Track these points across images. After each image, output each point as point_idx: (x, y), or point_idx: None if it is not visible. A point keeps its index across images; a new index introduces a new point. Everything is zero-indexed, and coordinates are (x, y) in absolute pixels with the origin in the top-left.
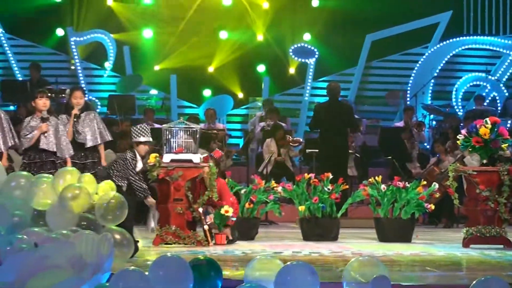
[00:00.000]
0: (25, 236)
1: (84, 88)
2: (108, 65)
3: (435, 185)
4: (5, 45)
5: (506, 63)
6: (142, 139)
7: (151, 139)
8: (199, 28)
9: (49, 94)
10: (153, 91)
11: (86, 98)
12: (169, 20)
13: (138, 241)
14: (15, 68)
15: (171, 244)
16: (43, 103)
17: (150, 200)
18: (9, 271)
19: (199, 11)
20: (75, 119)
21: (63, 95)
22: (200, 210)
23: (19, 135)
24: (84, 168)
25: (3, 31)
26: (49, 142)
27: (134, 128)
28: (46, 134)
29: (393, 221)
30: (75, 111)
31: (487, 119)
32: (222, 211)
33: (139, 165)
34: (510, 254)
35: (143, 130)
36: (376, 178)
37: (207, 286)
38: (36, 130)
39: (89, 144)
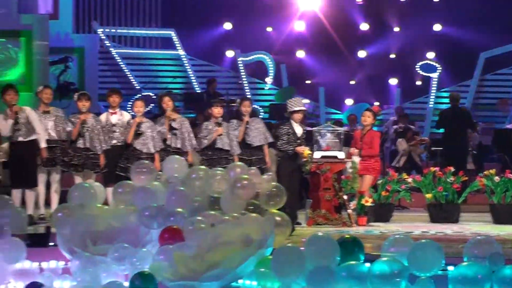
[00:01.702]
0: (203, 218)
1: (251, 99)
2: (268, 80)
3: None
4: (186, 64)
5: None
6: (296, 108)
7: (303, 108)
8: (341, 49)
9: (222, 104)
10: (305, 100)
11: (252, 107)
12: (317, 44)
13: (300, 223)
14: (194, 82)
15: (321, 225)
16: (217, 111)
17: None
18: (191, 246)
19: (341, 37)
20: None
21: (234, 104)
22: (345, 197)
23: (196, 136)
24: (250, 163)
25: (185, 54)
26: (224, 142)
27: (289, 100)
28: (220, 136)
29: (505, 207)
30: (247, 118)
31: None
32: (363, 200)
33: (298, 131)
34: None
35: (296, 101)
36: (491, 171)
37: (351, 259)
38: (213, 133)
39: (256, 144)
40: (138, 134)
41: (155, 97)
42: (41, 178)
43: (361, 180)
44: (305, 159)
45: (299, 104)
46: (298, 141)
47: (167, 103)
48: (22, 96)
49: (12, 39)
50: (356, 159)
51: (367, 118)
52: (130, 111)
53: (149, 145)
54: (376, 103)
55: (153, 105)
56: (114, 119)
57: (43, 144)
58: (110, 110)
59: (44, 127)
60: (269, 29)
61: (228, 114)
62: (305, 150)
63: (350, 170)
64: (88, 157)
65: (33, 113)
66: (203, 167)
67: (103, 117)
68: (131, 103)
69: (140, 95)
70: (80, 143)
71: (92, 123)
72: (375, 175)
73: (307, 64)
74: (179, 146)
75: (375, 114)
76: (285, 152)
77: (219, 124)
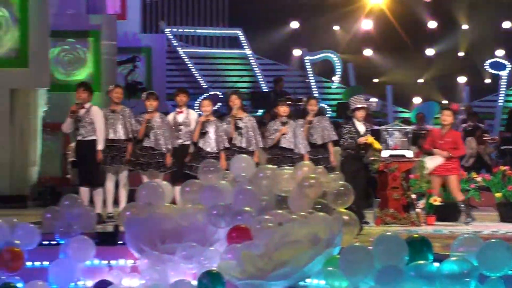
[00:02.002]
0: (271, 217)
1: (318, 98)
2: (335, 78)
3: None
4: (253, 63)
5: None
6: (358, 105)
7: (365, 105)
8: (409, 47)
9: (289, 103)
10: (373, 99)
11: (319, 105)
12: (385, 42)
13: (368, 222)
14: (261, 81)
15: (389, 224)
16: (283, 109)
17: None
18: (258, 245)
19: (409, 35)
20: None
21: (300, 103)
22: (413, 196)
23: (263, 135)
24: (316, 162)
25: (252, 53)
26: (288, 141)
27: (351, 98)
28: (285, 135)
29: None
30: (310, 117)
31: None
32: (431, 200)
33: (361, 129)
34: None
35: (358, 98)
36: None
37: (420, 259)
38: (278, 132)
39: (319, 142)
40: (203, 133)
41: (222, 96)
42: (109, 177)
43: (438, 180)
44: (372, 158)
45: (360, 101)
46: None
47: (234, 101)
48: None
49: (80, 39)
50: (431, 159)
51: (447, 117)
52: (197, 110)
53: (213, 144)
54: (445, 101)
55: (220, 104)
56: (180, 118)
57: (99, 146)
58: (177, 109)
59: (108, 128)
60: (336, 27)
61: (295, 113)
62: (368, 137)
63: (430, 167)
64: (154, 156)
65: (99, 113)
66: (270, 166)
67: (170, 116)
68: (198, 102)
69: (207, 94)
70: (146, 142)
71: (157, 122)
72: (457, 173)
73: (375, 63)
74: (244, 145)
75: (454, 112)
76: (349, 150)
77: (284, 123)
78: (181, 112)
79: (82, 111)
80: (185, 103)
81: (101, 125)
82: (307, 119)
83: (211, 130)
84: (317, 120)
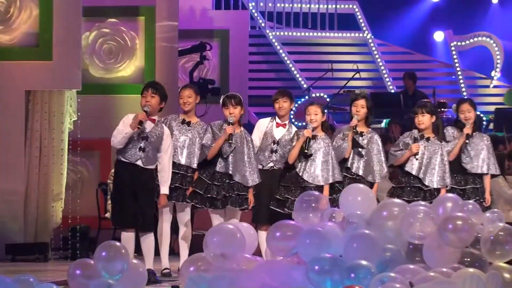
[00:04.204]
0: (399, 275)
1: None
2: (495, 74)
3: None
4: (375, 52)
5: None
6: None
7: None
8: None
9: (427, 109)
10: None
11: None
12: None
13: None
14: (386, 78)
15: None
16: (419, 120)
17: None
18: None
19: None
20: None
21: (445, 109)
22: None
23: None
24: (464, 195)
25: (374, 37)
26: (418, 167)
27: None
28: (416, 157)
29: None
30: (468, 130)
31: None
32: None
33: None
34: None
35: None
36: None
37: None
38: (408, 149)
39: (478, 171)
40: (306, 155)
41: (329, 100)
42: (165, 217)
43: None
44: None
45: None
46: None
47: (360, 108)
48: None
49: (126, 18)
50: None
51: None
52: (295, 120)
53: (319, 173)
54: None
55: (326, 111)
56: (279, 133)
57: (163, 189)
58: (277, 121)
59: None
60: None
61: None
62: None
63: None
64: (232, 187)
65: (169, 138)
66: (398, 200)
67: (262, 127)
68: (294, 108)
69: (309, 97)
70: (221, 167)
71: (241, 139)
72: None
73: None
74: (361, 172)
75: None
76: None
77: (416, 139)
78: (282, 125)
79: (148, 125)
80: (287, 112)
81: (170, 156)
82: (465, 131)
83: (319, 152)
84: (478, 137)
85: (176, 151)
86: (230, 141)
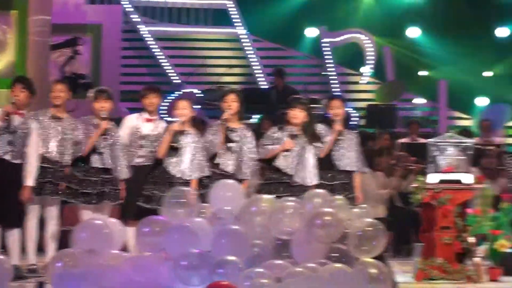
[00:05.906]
0: (266, 270)
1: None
2: (365, 70)
3: None
4: (248, 48)
5: None
6: None
7: None
8: (474, 26)
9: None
10: (419, 100)
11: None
12: (439, 19)
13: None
14: (258, 73)
15: (436, 279)
16: (294, 115)
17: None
18: None
19: (474, 8)
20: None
21: (317, 105)
22: (472, 239)
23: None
24: (332, 190)
25: (247, 32)
26: (289, 164)
27: None
28: (288, 152)
29: None
30: (338, 126)
31: None
32: (496, 244)
33: None
34: None
35: None
36: None
37: None
38: (281, 144)
39: (347, 168)
40: (174, 149)
41: (202, 95)
42: (32, 213)
43: None
44: (413, 177)
45: None
46: None
47: (231, 103)
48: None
49: None
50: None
51: None
52: (166, 115)
53: (186, 167)
54: None
55: (199, 106)
56: (146, 128)
57: (28, 181)
58: (145, 116)
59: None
60: None
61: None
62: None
63: None
64: (106, 181)
65: (35, 126)
66: (267, 196)
67: (128, 122)
68: (167, 103)
69: (181, 93)
70: (96, 161)
71: (115, 134)
72: None
73: (423, 48)
74: (230, 169)
75: None
76: None
77: (292, 136)
78: (150, 120)
79: (16, 120)
80: (156, 108)
81: (36, 149)
82: (335, 128)
83: (187, 147)
84: (347, 134)
85: (46, 146)
86: (107, 136)
